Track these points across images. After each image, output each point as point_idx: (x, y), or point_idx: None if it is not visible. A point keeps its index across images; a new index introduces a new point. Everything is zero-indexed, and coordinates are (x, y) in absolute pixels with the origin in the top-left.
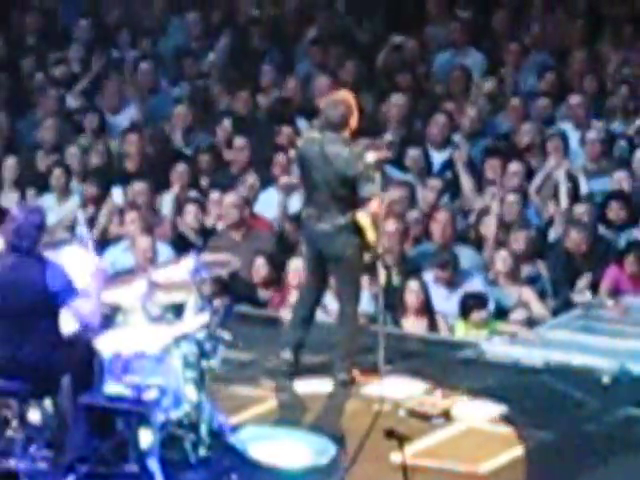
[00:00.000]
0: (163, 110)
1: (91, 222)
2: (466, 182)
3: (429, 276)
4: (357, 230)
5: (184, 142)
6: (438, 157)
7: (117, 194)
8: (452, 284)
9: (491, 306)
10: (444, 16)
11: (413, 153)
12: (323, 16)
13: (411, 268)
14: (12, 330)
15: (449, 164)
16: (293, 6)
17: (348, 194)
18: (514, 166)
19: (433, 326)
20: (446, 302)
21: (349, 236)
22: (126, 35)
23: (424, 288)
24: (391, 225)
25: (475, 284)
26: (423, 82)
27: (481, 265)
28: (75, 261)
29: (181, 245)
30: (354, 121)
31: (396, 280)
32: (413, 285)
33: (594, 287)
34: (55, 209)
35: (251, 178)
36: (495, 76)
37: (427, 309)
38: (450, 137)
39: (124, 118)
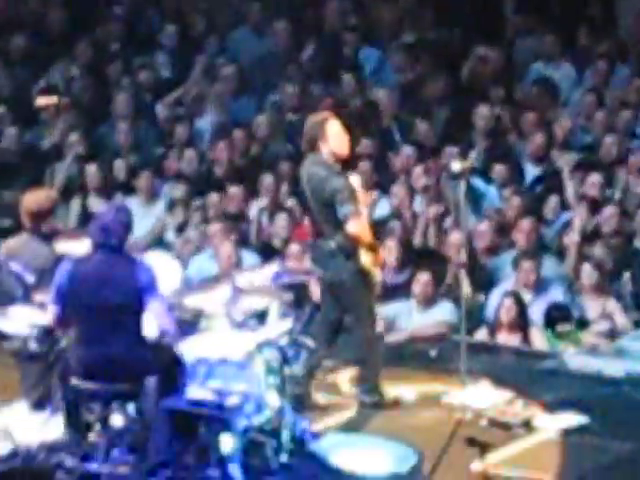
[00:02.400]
0: (246, 117)
1: (180, 229)
2: (570, 190)
3: (510, 284)
4: (354, 253)
5: (263, 150)
6: (533, 171)
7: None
8: (536, 291)
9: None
10: (532, 28)
11: (499, 165)
12: (413, 25)
13: (488, 279)
14: (101, 328)
15: (542, 178)
16: (384, 15)
17: (333, 216)
18: (595, 177)
19: (527, 340)
20: (529, 309)
21: (342, 260)
22: (213, 42)
23: (518, 302)
24: (455, 237)
25: (557, 293)
26: (514, 93)
27: (563, 275)
28: (159, 267)
29: (268, 252)
30: (333, 143)
31: (469, 291)
32: (506, 301)
33: None
34: (140, 213)
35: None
36: (583, 88)
37: (522, 323)
38: (548, 153)
39: (206, 122)
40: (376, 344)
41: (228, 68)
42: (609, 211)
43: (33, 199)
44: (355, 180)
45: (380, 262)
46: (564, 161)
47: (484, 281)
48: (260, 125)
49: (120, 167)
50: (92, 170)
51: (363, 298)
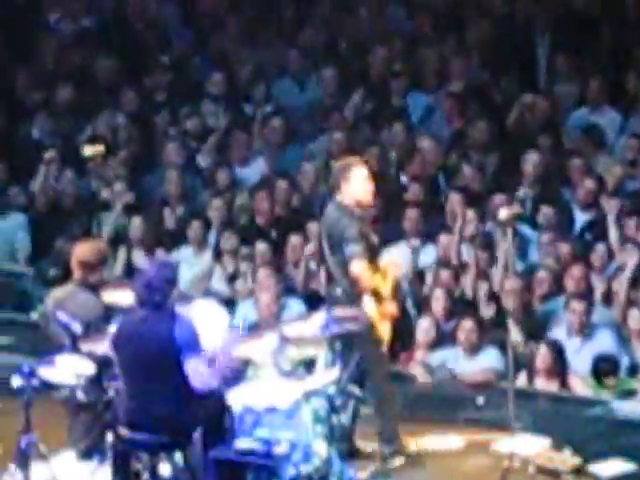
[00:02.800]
0: (293, 166)
1: (231, 277)
2: (613, 235)
3: (560, 331)
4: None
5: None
6: (582, 217)
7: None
8: (585, 336)
9: (622, 364)
10: (575, 74)
11: (547, 210)
12: (460, 71)
13: (539, 325)
14: (144, 383)
15: (592, 224)
16: (430, 60)
17: (340, 260)
18: None
19: (565, 385)
20: (577, 355)
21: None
22: (260, 90)
23: (555, 349)
24: (508, 284)
25: (606, 339)
26: (559, 140)
27: (612, 321)
28: (206, 316)
29: (313, 300)
30: (356, 189)
31: (520, 338)
32: (542, 349)
33: None
34: (192, 262)
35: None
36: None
37: (559, 370)
38: (597, 199)
39: (253, 172)
40: (389, 395)
41: (276, 119)
42: None
43: (84, 250)
44: (392, 253)
45: (388, 316)
46: (609, 207)
47: (537, 328)
48: (306, 173)
49: (169, 217)
50: (136, 223)
51: (369, 347)
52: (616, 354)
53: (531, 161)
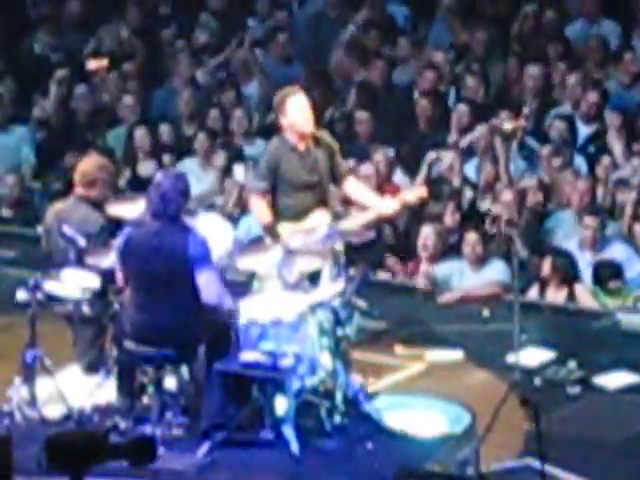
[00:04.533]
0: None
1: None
2: (617, 147)
3: (572, 243)
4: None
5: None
6: (585, 130)
7: (239, 171)
8: (597, 250)
9: (631, 275)
10: None
11: (558, 124)
12: None
13: (543, 238)
14: (152, 296)
15: (595, 137)
16: None
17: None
18: None
19: (572, 296)
20: (589, 269)
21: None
22: (263, 4)
23: (565, 260)
24: (507, 196)
25: (618, 251)
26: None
27: (622, 234)
28: (212, 229)
29: None
30: (291, 120)
31: (523, 251)
32: (550, 259)
33: None
34: (198, 174)
35: (379, 153)
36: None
37: (567, 280)
38: (601, 112)
39: (254, 88)
40: None
41: (282, 34)
42: None
43: (86, 164)
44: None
45: None
46: (610, 120)
47: (537, 241)
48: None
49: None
50: (140, 134)
51: None
52: (626, 265)
53: (530, 74)
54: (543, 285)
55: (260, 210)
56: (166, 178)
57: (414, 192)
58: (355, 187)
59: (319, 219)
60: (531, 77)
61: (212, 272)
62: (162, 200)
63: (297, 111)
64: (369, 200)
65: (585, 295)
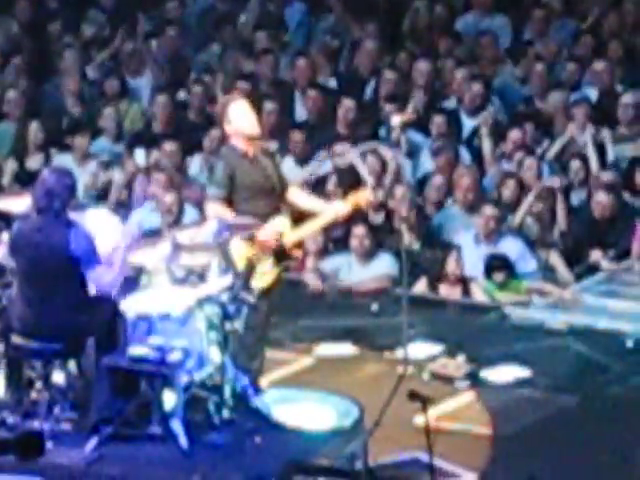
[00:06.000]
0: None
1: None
2: (487, 146)
3: (467, 237)
4: None
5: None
6: (469, 123)
7: (140, 155)
8: (492, 242)
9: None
10: None
11: (439, 119)
12: None
13: (434, 233)
14: (37, 292)
15: (479, 130)
16: None
17: None
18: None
19: (467, 292)
20: (482, 263)
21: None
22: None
23: (461, 257)
24: (399, 191)
25: (512, 246)
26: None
27: (511, 228)
28: (100, 224)
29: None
30: (236, 126)
31: (415, 245)
32: (453, 255)
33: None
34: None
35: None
36: (520, 42)
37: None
38: (484, 104)
39: (145, 82)
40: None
41: (171, 29)
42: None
43: None
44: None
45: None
46: (483, 119)
47: (429, 234)
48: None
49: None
50: (34, 128)
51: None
52: (520, 260)
53: (419, 68)
54: (437, 280)
55: (220, 212)
56: (52, 174)
57: (363, 195)
58: (300, 195)
59: (282, 224)
60: (419, 72)
61: (99, 265)
62: (47, 196)
63: (241, 116)
64: (317, 206)
65: (480, 293)
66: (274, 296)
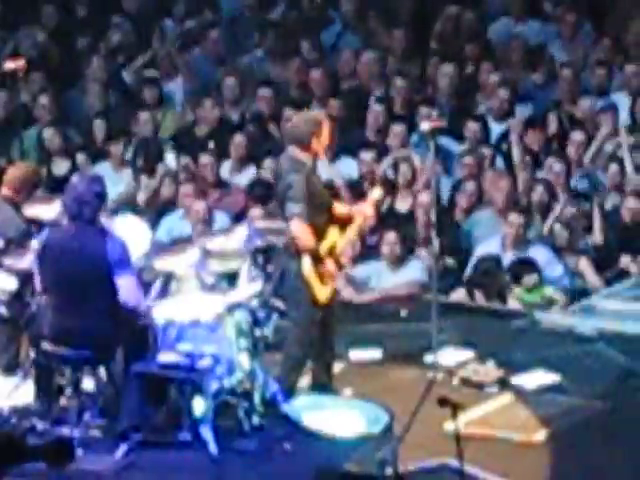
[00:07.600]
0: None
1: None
2: (516, 153)
3: (492, 245)
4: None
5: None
6: (497, 128)
7: (170, 158)
8: (520, 250)
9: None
10: None
11: (471, 125)
12: None
13: (465, 239)
14: (68, 299)
15: (507, 135)
16: None
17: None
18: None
19: (503, 299)
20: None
21: (286, 259)
22: (181, 6)
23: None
24: (424, 197)
25: (540, 253)
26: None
27: (540, 236)
28: (128, 230)
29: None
30: (323, 143)
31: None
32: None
33: None
34: (112, 179)
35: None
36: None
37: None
38: (511, 109)
39: (177, 86)
40: (307, 350)
41: (214, 31)
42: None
43: (17, 169)
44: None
45: (327, 279)
46: (513, 123)
47: (458, 241)
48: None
49: (98, 130)
50: (51, 133)
51: (302, 300)
52: (547, 267)
53: (445, 73)
54: (471, 289)
55: (305, 234)
56: (81, 181)
57: (376, 192)
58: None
59: (336, 237)
60: (445, 76)
61: (131, 275)
62: (77, 203)
63: (327, 135)
64: (342, 211)
65: (513, 299)
66: (330, 313)
